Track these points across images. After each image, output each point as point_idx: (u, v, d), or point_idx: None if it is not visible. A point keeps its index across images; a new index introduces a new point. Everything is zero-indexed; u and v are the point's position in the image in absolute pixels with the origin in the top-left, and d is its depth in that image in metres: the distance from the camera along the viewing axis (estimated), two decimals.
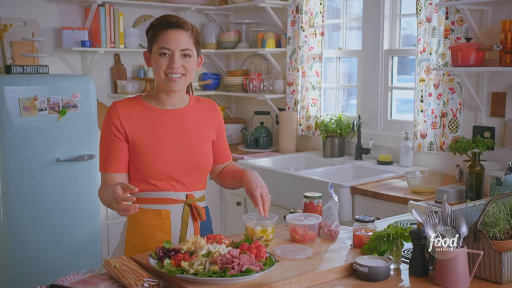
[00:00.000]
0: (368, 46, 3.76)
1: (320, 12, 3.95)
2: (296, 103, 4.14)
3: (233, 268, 1.56)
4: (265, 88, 4.35)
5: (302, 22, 3.98)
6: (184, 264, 1.59)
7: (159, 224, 1.96)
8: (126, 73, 4.38)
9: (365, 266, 1.66)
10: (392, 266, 1.75)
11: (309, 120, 4.08)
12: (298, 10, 4.02)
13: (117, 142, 1.94)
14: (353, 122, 3.77)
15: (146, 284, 1.54)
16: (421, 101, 3.32)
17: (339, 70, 4.17)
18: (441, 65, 3.22)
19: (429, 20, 3.24)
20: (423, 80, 3.30)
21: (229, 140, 4.39)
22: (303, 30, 3.99)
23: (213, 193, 3.99)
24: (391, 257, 1.76)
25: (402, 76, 3.78)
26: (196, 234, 2.01)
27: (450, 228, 1.67)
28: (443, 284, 1.60)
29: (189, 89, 2.12)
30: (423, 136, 3.34)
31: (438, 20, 3.21)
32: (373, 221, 1.92)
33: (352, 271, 1.72)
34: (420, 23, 3.27)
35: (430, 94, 3.29)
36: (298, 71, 4.07)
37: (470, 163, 2.63)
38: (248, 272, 1.56)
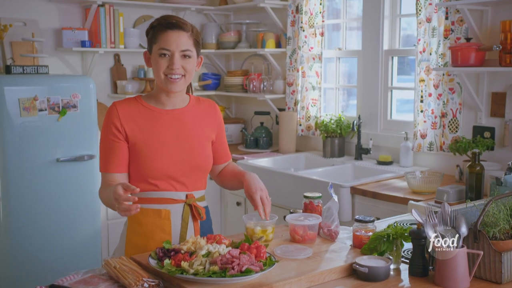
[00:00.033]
0: (368, 46, 3.76)
1: (320, 12, 3.95)
2: (296, 103, 4.14)
3: (233, 268, 1.56)
4: (265, 88, 4.35)
5: (302, 22, 3.99)
6: (184, 264, 1.59)
7: (159, 224, 1.96)
8: (126, 73, 4.38)
9: (365, 266, 1.66)
10: (392, 266, 1.75)
11: (309, 120, 4.08)
12: (298, 10, 4.02)
13: (117, 142, 1.94)
14: (353, 122, 3.77)
15: (146, 284, 1.54)
16: (421, 101, 3.32)
17: (339, 70, 4.17)
18: (441, 65, 3.23)
19: (429, 20, 3.24)
20: (423, 80, 3.30)
21: (229, 140, 4.40)
22: (303, 30, 3.99)
23: (213, 193, 3.99)
24: (391, 257, 1.76)
25: (402, 76, 3.78)
26: (196, 234, 2.01)
27: (450, 228, 1.67)
28: (443, 284, 1.60)
29: (189, 89, 2.12)
30: (423, 136, 3.34)
31: (438, 20, 3.21)
32: (373, 221, 1.92)
33: (352, 271, 1.72)
34: (420, 23, 3.27)
35: (430, 94, 3.29)
36: (298, 71, 4.07)
37: (470, 163, 2.63)
38: (248, 272, 1.56)
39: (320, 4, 3.94)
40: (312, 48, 4.00)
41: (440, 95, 3.27)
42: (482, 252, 1.62)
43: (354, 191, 3.08)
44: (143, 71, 4.37)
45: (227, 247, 1.69)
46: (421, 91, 3.32)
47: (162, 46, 1.91)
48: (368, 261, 1.70)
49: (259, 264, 1.60)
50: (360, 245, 1.86)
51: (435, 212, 1.70)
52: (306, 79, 4.04)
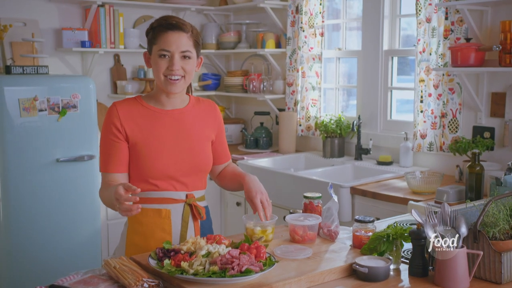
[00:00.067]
0: (368, 46, 3.76)
1: (320, 13, 3.95)
2: (296, 104, 4.14)
3: (232, 269, 1.56)
4: (265, 88, 4.35)
5: (302, 23, 3.99)
6: (184, 264, 1.59)
7: (160, 223, 1.96)
8: (126, 73, 4.38)
9: (365, 267, 1.66)
10: (391, 267, 1.75)
11: (309, 120, 4.08)
12: (298, 10, 4.03)
13: (118, 142, 1.94)
14: (353, 123, 3.77)
15: (145, 285, 1.54)
16: (421, 101, 3.32)
17: (339, 71, 4.17)
18: (441, 65, 3.23)
19: (428, 20, 3.24)
20: (422, 81, 3.30)
21: (229, 140, 4.40)
22: (303, 31, 3.99)
23: (213, 193, 3.99)
24: (390, 257, 1.76)
25: (402, 77, 3.78)
26: (196, 234, 2.01)
27: (449, 228, 1.67)
28: (442, 284, 1.60)
29: (188, 89, 2.13)
30: (423, 137, 3.34)
31: (437, 21, 3.21)
32: (372, 221, 1.93)
33: (352, 272, 1.72)
34: (419, 23, 3.27)
35: (430, 95, 3.29)
36: (298, 71, 4.07)
37: (470, 163, 2.63)
38: (247, 272, 1.56)
39: (320, 4, 3.94)
40: (312, 48, 4.00)
41: (440, 95, 3.27)
42: (482, 252, 1.62)
43: (354, 191, 3.09)
44: (143, 72, 4.37)
45: (227, 247, 1.69)
46: (421, 91, 3.32)
47: (162, 47, 1.91)
48: (368, 261, 1.70)
49: (259, 264, 1.61)
50: (360, 245, 1.86)
51: (435, 212, 1.70)
52: (306, 79, 4.04)
